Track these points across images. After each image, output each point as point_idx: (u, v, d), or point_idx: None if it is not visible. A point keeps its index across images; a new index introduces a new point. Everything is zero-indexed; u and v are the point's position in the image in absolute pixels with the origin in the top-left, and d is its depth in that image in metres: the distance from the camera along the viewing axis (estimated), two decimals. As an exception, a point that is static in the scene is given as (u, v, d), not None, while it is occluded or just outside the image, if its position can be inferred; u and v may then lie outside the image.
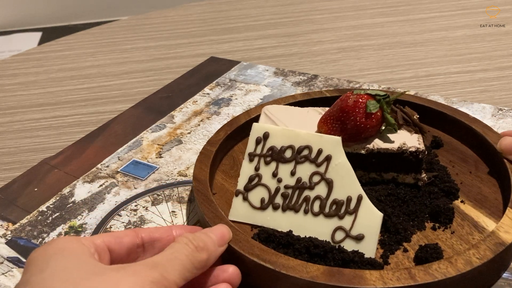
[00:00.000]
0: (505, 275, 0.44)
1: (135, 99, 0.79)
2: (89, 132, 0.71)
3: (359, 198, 0.46)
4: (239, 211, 0.50)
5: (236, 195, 0.50)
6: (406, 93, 0.65)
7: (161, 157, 0.64)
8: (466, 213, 0.49)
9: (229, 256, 0.46)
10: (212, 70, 0.86)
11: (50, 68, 0.93)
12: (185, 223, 0.53)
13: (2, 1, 2.65)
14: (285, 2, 1.16)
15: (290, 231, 0.47)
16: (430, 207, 0.49)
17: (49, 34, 2.55)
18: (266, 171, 0.50)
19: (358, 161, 0.51)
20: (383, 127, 0.52)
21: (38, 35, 2.61)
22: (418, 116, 0.54)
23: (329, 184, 0.47)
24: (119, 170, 0.62)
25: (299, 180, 0.48)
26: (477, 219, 0.49)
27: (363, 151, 0.51)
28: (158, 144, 0.66)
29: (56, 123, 0.75)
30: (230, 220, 0.48)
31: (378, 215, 0.45)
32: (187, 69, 0.88)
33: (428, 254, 0.44)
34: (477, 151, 0.57)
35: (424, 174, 0.52)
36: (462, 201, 0.51)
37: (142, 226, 0.53)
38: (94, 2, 2.69)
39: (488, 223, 0.48)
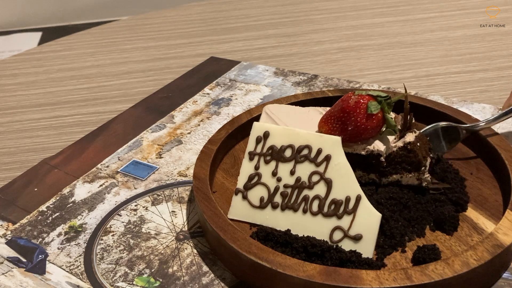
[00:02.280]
0: (505, 275, 0.44)
1: (135, 99, 0.79)
2: (89, 132, 0.71)
3: (358, 198, 0.46)
4: (239, 209, 0.50)
5: (236, 194, 0.50)
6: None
7: (161, 157, 0.64)
8: (466, 214, 0.49)
9: (227, 254, 0.46)
10: (212, 70, 0.86)
11: (50, 68, 0.93)
12: (185, 223, 0.53)
13: (2, 1, 2.65)
14: (285, 2, 1.16)
15: (288, 230, 0.47)
16: (434, 214, 0.48)
17: (49, 34, 2.55)
18: (266, 170, 0.50)
19: (358, 162, 0.51)
20: (384, 129, 0.52)
21: (38, 35, 2.61)
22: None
23: (328, 183, 0.47)
24: (119, 170, 0.62)
25: (298, 179, 0.48)
26: (477, 221, 0.48)
27: (363, 152, 0.51)
28: (158, 145, 0.66)
29: (56, 123, 0.75)
30: (229, 219, 0.48)
31: (376, 216, 0.45)
32: (187, 69, 0.88)
33: (426, 255, 0.43)
34: (478, 153, 0.57)
35: (428, 174, 0.51)
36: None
37: (142, 226, 0.53)
38: (94, 2, 2.69)
39: (488, 225, 0.48)
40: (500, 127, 0.63)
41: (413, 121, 0.55)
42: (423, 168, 0.51)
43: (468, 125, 0.57)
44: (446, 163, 0.54)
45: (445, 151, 0.56)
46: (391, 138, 0.52)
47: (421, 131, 0.55)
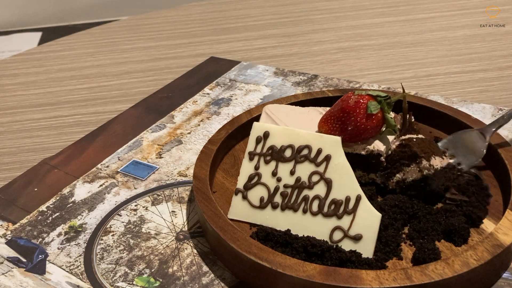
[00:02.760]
0: (505, 275, 0.44)
1: (135, 99, 0.79)
2: (89, 132, 0.71)
3: (358, 198, 0.46)
4: (239, 209, 0.50)
5: (236, 194, 0.50)
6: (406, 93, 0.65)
7: (161, 157, 0.64)
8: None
9: (227, 254, 0.46)
10: (212, 70, 0.86)
11: (50, 68, 0.93)
12: (185, 223, 0.53)
13: (2, 1, 2.65)
14: (285, 2, 1.16)
15: (288, 230, 0.47)
16: (444, 225, 0.47)
17: (49, 34, 2.55)
18: (265, 170, 0.50)
19: (358, 162, 0.51)
20: (384, 129, 0.52)
21: (38, 35, 2.61)
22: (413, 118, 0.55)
23: (328, 183, 0.47)
24: (119, 170, 0.62)
25: (298, 179, 0.48)
26: (477, 220, 0.48)
27: (363, 152, 0.51)
28: (158, 145, 0.66)
29: (56, 123, 0.75)
30: (229, 219, 0.48)
31: (376, 216, 0.45)
32: (187, 69, 0.88)
33: (426, 255, 0.43)
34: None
35: (426, 162, 0.49)
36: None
37: (142, 226, 0.53)
38: (94, 2, 2.69)
39: (488, 225, 0.48)
40: (500, 127, 0.63)
41: (413, 120, 0.55)
42: (422, 159, 0.49)
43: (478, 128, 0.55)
44: (475, 177, 0.52)
45: (473, 161, 0.53)
46: (391, 138, 0.52)
47: (441, 142, 0.54)
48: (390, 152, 0.51)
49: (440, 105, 0.62)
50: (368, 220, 0.45)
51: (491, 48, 0.86)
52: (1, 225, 0.54)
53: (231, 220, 0.49)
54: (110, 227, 0.53)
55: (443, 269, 0.40)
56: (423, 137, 0.52)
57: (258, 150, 0.50)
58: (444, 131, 0.61)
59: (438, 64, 0.83)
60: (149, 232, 0.52)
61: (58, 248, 0.51)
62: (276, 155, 0.50)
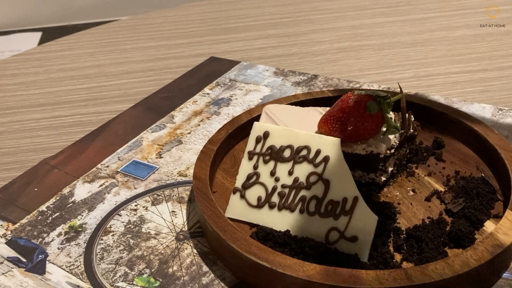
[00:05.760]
0: (505, 275, 0.44)
1: (135, 99, 0.79)
2: (89, 132, 0.71)
3: (355, 200, 0.45)
4: (236, 208, 0.50)
5: (234, 193, 0.50)
6: (406, 93, 0.65)
7: (161, 157, 0.64)
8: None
9: (227, 254, 0.46)
10: (212, 70, 0.86)
11: (50, 68, 0.93)
12: (185, 223, 0.53)
13: (2, 1, 2.65)
14: (285, 2, 1.16)
15: (288, 231, 0.47)
16: (449, 231, 0.46)
17: (49, 34, 2.56)
18: (264, 170, 0.50)
19: (357, 162, 0.51)
20: (384, 128, 0.52)
21: (38, 35, 2.61)
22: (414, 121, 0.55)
23: (326, 184, 0.47)
24: (119, 170, 0.62)
25: (296, 179, 0.48)
26: (477, 220, 0.48)
27: (362, 152, 0.51)
28: (158, 144, 0.66)
29: (56, 123, 0.75)
30: (228, 218, 0.48)
31: (373, 218, 0.45)
32: (187, 69, 0.88)
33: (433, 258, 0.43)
34: (478, 152, 0.57)
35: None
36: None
37: (142, 226, 0.53)
38: (94, 2, 2.69)
39: (488, 225, 0.48)
40: (500, 127, 0.63)
41: (412, 119, 0.55)
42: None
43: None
44: (482, 181, 0.52)
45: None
46: (391, 138, 0.52)
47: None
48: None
49: (440, 105, 0.62)
50: (364, 221, 0.45)
51: (491, 48, 0.86)
52: (1, 225, 0.54)
53: (231, 219, 0.49)
54: (110, 227, 0.53)
55: (443, 269, 0.40)
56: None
57: (258, 149, 0.51)
58: (444, 131, 0.61)
59: (438, 64, 0.83)
60: (149, 232, 0.52)
61: (58, 248, 0.51)
62: (275, 155, 0.50)
